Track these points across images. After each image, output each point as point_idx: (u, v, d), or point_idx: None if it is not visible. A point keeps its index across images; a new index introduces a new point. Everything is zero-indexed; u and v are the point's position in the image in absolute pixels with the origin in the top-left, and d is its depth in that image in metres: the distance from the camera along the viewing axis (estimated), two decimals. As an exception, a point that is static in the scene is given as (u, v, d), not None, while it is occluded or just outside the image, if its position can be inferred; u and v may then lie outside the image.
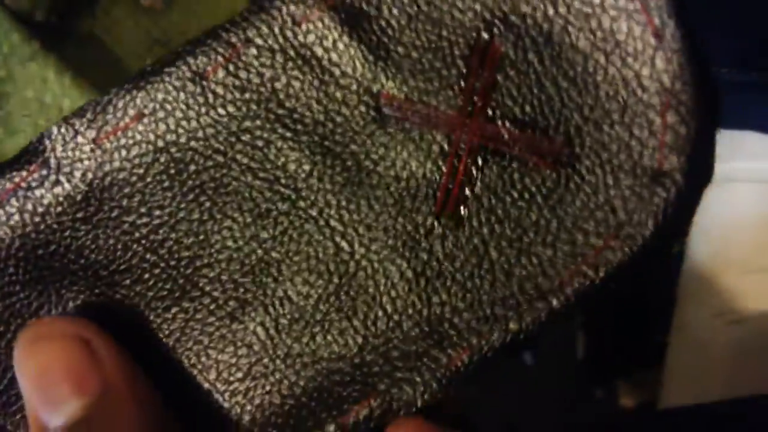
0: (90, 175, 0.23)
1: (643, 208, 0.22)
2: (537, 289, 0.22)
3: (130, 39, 0.32)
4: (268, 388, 0.23)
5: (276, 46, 0.22)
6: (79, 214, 0.23)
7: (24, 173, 0.23)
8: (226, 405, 0.23)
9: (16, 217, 0.23)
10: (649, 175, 0.22)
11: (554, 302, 0.22)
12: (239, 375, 0.23)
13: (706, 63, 0.22)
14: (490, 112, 0.22)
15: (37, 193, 0.23)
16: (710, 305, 0.39)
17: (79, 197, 0.23)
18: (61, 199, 0.23)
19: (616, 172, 0.22)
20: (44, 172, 0.23)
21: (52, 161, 0.23)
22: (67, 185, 0.23)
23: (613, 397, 0.52)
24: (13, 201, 0.23)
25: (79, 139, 0.23)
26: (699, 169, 0.22)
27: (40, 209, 0.23)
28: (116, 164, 0.23)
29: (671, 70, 0.22)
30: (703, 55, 0.22)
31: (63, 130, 0.23)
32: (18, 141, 0.30)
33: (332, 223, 0.23)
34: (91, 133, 0.23)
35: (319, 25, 0.22)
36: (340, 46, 0.23)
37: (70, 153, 0.23)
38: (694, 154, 0.21)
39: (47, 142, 0.23)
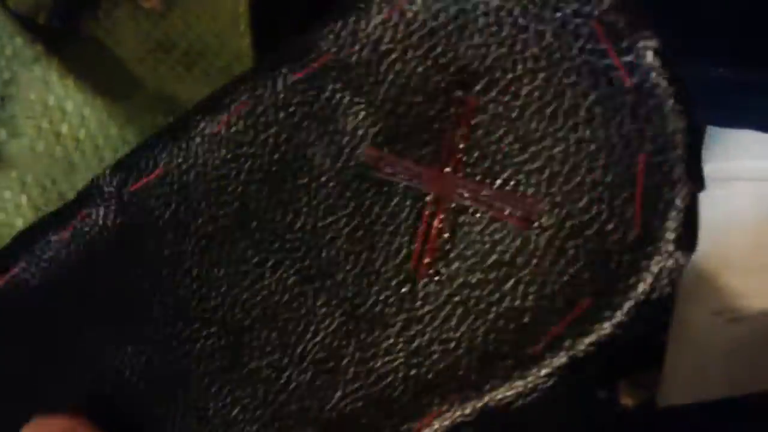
0: (125, 223, 0.25)
1: (622, 278, 0.21)
2: (512, 356, 0.21)
3: (131, 41, 0.32)
4: (254, 429, 0.23)
5: (279, 103, 0.24)
6: (115, 254, 0.25)
7: (74, 219, 0.25)
8: None
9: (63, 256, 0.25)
10: (630, 242, 0.21)
11: (530, 373, 0.21)
12: (232, 414, 0.24)
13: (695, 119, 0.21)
14: (468, 167, 0.22)
15: (86, 234, 0.25)
16: (709, 303, 0.39)
17: (113, 239, 0.25)
18: (103, 238, 0.25)
19: (597, 236, 0.21)
20: (93, 216, 0.25)
21: (98, 208, 0.25)
22: (105, 232, 0.25)
23: (615, 397, 0.52)
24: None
25: (116, 192, 0.25)
26: (688, 238, 0.21)
27: (86, 244, 0.25)
28: (146, 213, 0.24)
29: (654, 125, 0.21)
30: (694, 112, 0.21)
31: (105, 180, 0.25)
32: (22, 143, 0.31)
33: (320, 274, 0.23)
34: (128, 186, 0.25)
35: (316, 80, 0.23)
36: (335, 99, 0.23)
37: (105, 203, 0.25)
38: (683, 221, 0.21)
39: (94, 190, 0.25)
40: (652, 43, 0.21)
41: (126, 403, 0.24)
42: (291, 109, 0.24)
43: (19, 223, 0.30)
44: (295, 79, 0.24)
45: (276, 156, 0.24)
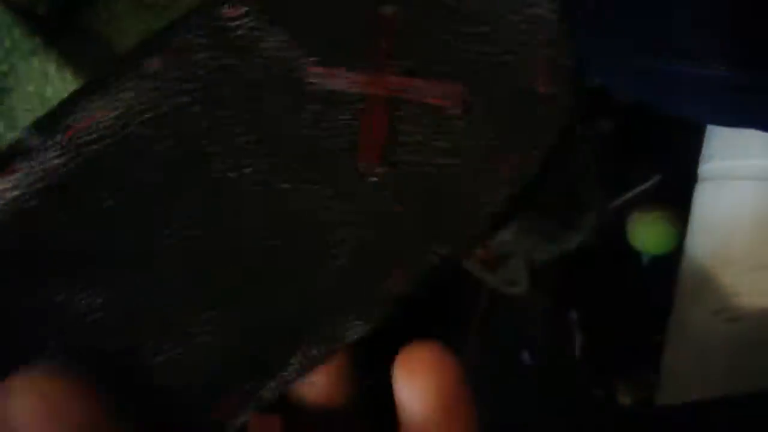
0: (64, 169, 0.25)
1: (540, 127, 0.26)
2: (464, 212, 0.25)
3: (131, 34, 0.32)
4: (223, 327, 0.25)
5: (211, 40, 0.25)
6: (60, 205, 0.25)
7: (5, 175, 0.25)
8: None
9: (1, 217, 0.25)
10: (539, 99, 0.26)
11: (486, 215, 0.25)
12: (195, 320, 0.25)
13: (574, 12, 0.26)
14: (397, 66, 0.26)
15: (17, 192, 0.25)
16: (709, 302, 0.40)
17: (57, 191, 0.25)
18: (42, 195, 0.25)
19: (513, 99, 0.26)
20: (25, 172, 0.25)
21: (31, 161, 0.25)
22: (40, 184, 0.24)
23: (612, 396, 0.52)
24: None
25: (51, 141, 0.25)
26: (574, 95, 0.26)
27: (24, 206, 0.25)
28: (89, 155, 0.25)
29: (547, 23, 0.26)
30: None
31: (35, 130, 0.25)
32: (19, 135, 0.31)
33: (276, 184, 0.25)
34: (62, 133, 0.25)
35: (246, 19, 0.25)
36: (264, 30, 0.25)
37: (45, 152, 0.25)
38: (571, 82, 0.26)
39: (26, 140, 0.25)
40: None
41: (98, 347, 0.25)
42: (224, 44, 0.25)
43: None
44: (225, 18, 0.25)
45: (213, 90, 0.25)
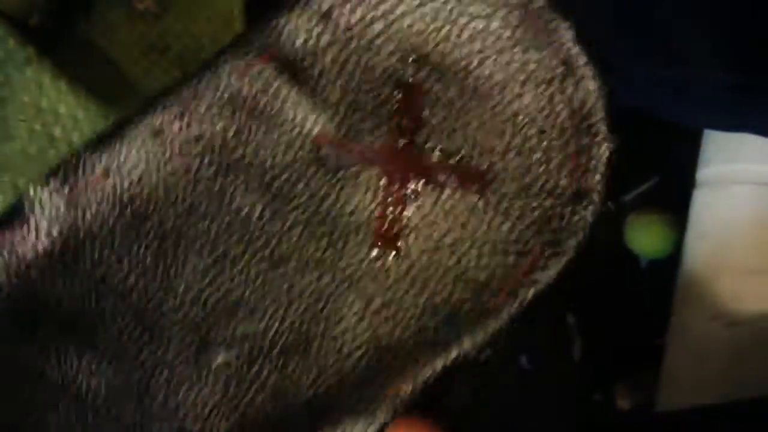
0: (65, 231, 0.24)
1: (565, 228, 0.23)
2: (474, 311, 0.23)
3: (126, 44, 0.32)
4: (230, 422, 0.24)
5: (223, 100, 0.24)
6: (59, 266, 0.24)
7: (7, 233, 0.24)
8: None
9: (3, 275, 0.24)
10: (568, 196, 0.23)
11: (491, 323, 0.23)
12: (205, 412, 0.24)
13: (611, 88, 0.23)
14: (419, 145, 0.24)
15: (20, 250, 0.24)
16: (708, 307, 0.39)
17: (56, 252, 0.24)
18: (41, 255, 0.24)
19: (539, 195, 0.24)
20: (26, 230, 0.24)
21: (32, 220, 0.24)
22: (46, 242, 0.24)
23: (611, 400, 0.52)
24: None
25: (55, 198, 0.24)
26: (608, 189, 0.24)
27: (23, 266, 0.24)
28: (88, 218, 0.24)
29: (580, 95, 0.24)
30: (607, 81, 0.24)
31: (40, 189, 0.24)
32: (14, 146, 0.30)
33: (285, 261, 0.24)
34: (65, 191, 0.24)
35: (260, 77, 0.24)
36: (281, 94, 0.24)
37: (47, 212, 0.24)
38: (607, 173, 0.24)
39: (26, 202, 0.24)
40: (572, 29, 0.24)
41: (92, 421, 0.24)
42: (238, 105, 0.24)
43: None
44: (239, 75, 0.24)
45: (225, 151, 0.24)
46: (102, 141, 0.24)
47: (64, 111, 0.30)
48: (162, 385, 0.24)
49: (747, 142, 0.39)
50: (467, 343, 0.23)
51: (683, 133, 0.42)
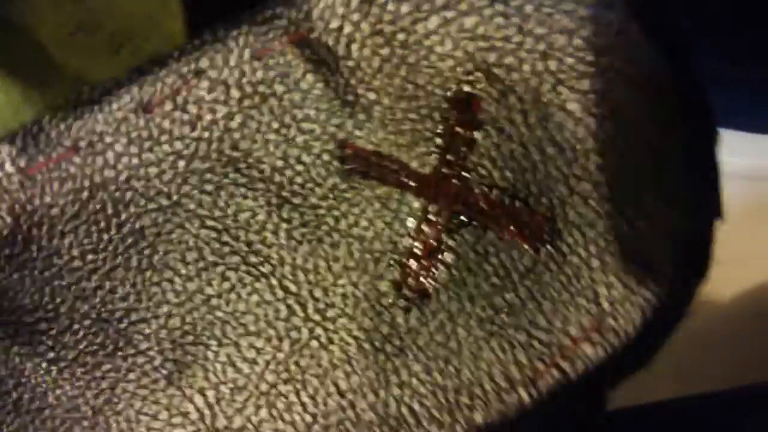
0: (17, 209, 0.20)
1: (629, 300, 0.20)
2: (507, 378, 0.20)
3: (50, 23, 0.30)
4: None
5: (231, 81, 0.20)
6: (5, 251, 0.20)
7: None
8: None
9: None
10: (637, 262, 0.20)
11: (524, 396, 0.20)
12: None
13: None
14: (466, 175, 0.20)
15: None
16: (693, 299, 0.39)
17: (4, 232, 0.20)
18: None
19: (602, 255, 0.20)
20: None
21: None
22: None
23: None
24: None
25: (7, 167, 0.20)
26: (694, 262, 0.20)
27: None
28: (47, 199, 0.20)
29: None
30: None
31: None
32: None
33: (285, 283, 0.20)
34: (21, 162, 0.20)
35: (281, 60, 0.20)
36: (304, 85, 0.20)
37: None
38: (688, 243, 0.20)
39: None
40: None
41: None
42: (247, 91, 0.20)
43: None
44: (254, 56, 0.20)
45: (226, 144, 0.20)
46: (75, 109, 0.20)
47: (-12, 96, 0.29)
48: (122, 407, 0.21)
49: (736, 136, 0.37)
50: (483, 416, 0.21)
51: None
